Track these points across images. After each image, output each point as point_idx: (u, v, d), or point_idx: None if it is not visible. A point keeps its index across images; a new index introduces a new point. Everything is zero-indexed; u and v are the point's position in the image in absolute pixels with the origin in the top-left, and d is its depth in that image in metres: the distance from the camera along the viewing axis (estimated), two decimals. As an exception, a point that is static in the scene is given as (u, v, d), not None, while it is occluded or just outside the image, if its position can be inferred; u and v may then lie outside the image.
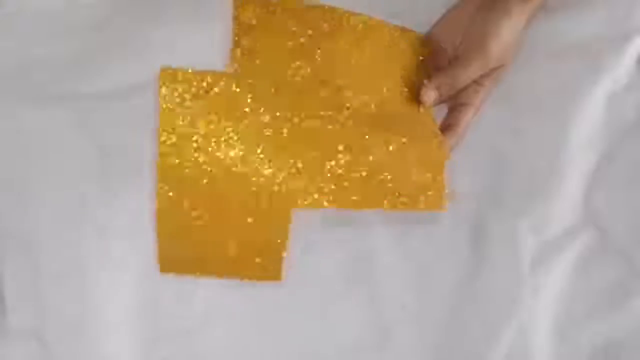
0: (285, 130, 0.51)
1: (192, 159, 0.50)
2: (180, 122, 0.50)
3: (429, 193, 0.52)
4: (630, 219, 0.56)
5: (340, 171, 0.51)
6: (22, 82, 0.60)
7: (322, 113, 0.52)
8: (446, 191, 0.52)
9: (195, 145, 0.50)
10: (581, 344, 0.54)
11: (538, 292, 0.55)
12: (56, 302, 0.55)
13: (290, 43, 0.55)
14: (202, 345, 0.55)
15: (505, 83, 0.59)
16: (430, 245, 0.56)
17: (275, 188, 0.50)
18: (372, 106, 0.54)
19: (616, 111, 0.60)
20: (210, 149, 0.50)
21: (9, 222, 0.56)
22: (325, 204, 0.51)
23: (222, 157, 0.50)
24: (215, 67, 0.59)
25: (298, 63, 0.54)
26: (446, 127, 0.56)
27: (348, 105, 0.53)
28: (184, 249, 0.52)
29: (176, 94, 0.50)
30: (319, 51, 0.55)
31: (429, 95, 0.55)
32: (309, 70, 0.54)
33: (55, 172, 0.58)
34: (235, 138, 0.50)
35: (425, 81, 0.55)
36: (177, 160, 0.50)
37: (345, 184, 0.51)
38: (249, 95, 0.51)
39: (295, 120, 0.51)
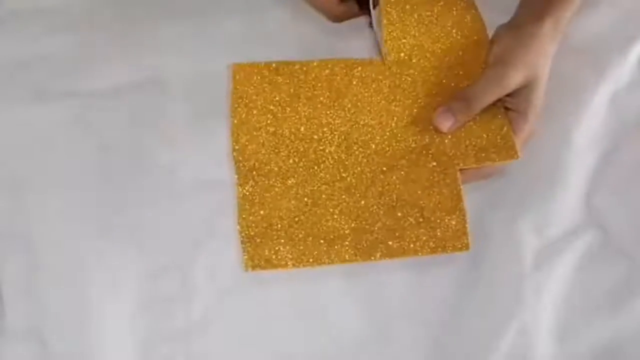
0: None
1: None
2: None
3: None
4: (632, 219, 0.56)
5: None
6: (22, 80, 0.60)
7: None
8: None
9: None
10: (583, 344, 0.54)
11: (539, 293, 0.55)
12: (55, 302, 0.55)
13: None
14: (202, 345, 0.54)
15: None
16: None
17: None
18: None
19: (618, 111, 0.60)
20: None
21: (8, 221, 0.56)
22: None
23: None
24: (214, 66, 0.60)
25: None
26: None
27: None
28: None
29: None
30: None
31: (441, 120, 0.53)
32: None
33: (54, 171, 0.58)
34: None
35: (439, 108, 0.54)
36: None
37: None
38: None
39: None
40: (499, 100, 0.54)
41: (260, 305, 0.55)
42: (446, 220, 0.51)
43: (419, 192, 0.53)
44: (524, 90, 0.54)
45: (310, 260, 0.51)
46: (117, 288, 0.55)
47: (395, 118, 0.56)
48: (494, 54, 0.55)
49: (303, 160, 0.55)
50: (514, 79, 0.53)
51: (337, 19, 0.59)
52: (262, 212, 0.53)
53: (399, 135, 0.55)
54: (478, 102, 0.53)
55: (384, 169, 0.54)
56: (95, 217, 0.57)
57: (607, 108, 0.60)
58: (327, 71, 0.57)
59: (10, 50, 0.61)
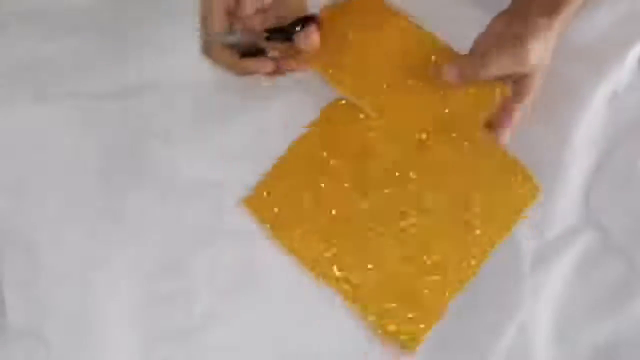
0: None
1: None
2: None
3: None
4: (630, 219, 0.56)
5: None
6: (23, 82, 0.61)
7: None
8: None
9: None
10: (581, 344, 0.54)
11: (538, 292, 0.55)
12: (56, 302, 0.55)
13: None
14: (202, 345, 0.54)
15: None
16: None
17: None
18: None
19: (617, 112, 0.60)
20: None
21: (9, 221, 0.57)
22: None
23: None
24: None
25: None
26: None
27: None
28: None
29: None
30: None
31: (450, 71, 0.56)
32: None
33: (55, 171, 0.58)
34: None
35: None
36: None
37: None
38: None
39: None
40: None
41: (260, 305, 0.55)
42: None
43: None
44: (521, 80, 0.56)
45: None
46: (118, 288, 0.55)
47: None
48: (512, 30, 0.55)
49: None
50: (531, 57, 0.54)
51: (243, 73, 0.58)
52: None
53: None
54: (489, 66, 0.55)
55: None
56: (96, 217, 0.57)
57: (606, 108, 0.60)
58: None
59: (12, 52, 0.62)
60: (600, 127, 0.59)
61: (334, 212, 0.56)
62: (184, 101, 0.60)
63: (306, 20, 0.56)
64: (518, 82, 0.56)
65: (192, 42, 0.61)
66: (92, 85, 0.61)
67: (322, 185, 0.56)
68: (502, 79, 0.56)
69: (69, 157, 0.58)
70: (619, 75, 0.60)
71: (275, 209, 0.56)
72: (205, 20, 0.56)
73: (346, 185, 0.56)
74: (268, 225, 0.56)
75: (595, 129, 0.59)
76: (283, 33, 0.56)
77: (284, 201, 0.56)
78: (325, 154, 0.57)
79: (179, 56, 0.61)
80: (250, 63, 0.57)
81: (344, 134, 0.58)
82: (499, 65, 0.55)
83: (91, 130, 0.59)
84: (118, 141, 0.59)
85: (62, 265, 0.56)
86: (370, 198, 0.56)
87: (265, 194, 0.57)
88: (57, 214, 0.57)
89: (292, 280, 0.55)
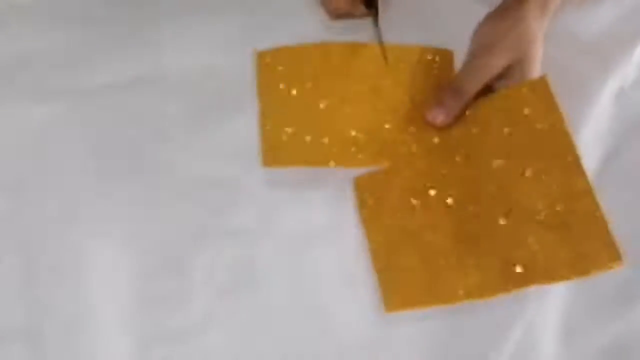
0: None
1: None
2: None
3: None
4: (637, 216, 0.55)
5: None
6: (20, 77, 0.61)
7: None
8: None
9: None
10: (588, 344, 0.54)
11: (545, 292, 0.54)
12: (53, 302, 0.54)
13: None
14: (201, 345, 0.54)
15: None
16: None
17: None
18: None
19: (624, 108, 0.60)
20: None
21: (5, 220, 0.56)
22: None
23: None
24: (213, 63, 0.60)
25: None
26: None
27: None
28: None
29: None
30: None
31: (434, 114, 0.54)
32: None
33: (52, 170, 0.58)
34: None
35: (429, 102, 0.55)
36: None
37: None
38: None
39: None
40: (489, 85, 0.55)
41: (260, 305, 0.55)
42: None
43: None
44: (513, 72, 0.54)
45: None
46: (115, 287, 0.55)
47: None
48: (476, 40, 0.56)
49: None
50: (497, 64, 0.54)
51: (338, 16, 0.58)
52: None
53: None
54: (466, 91, 0.54)
55: None
56: (93, 216, 0.57)
57: (613, 105, 0.60)
58: None
59: (9, 46, 0.62)
60: (607, 124, 0.59)
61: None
62: (183, 100, 0.60)
63: None
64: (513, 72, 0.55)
65: (189, 39, 0.61)
66: (90, 81, 0.61)
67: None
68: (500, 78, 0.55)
69: (67, 156, 0.58)
70: (626, 71, 0.61)
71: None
72: None
73: None
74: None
75: (603, 125, 0.59)
76: None
77: None
78: None
79: (176, 54, 0.61)
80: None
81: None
82: (473, 87, 0.54)
83: (89, 127, 0.59)
84: (116, 138, 0.59)
85: (60, 265, 0.55)
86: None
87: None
88: (54, 212, 0.56)
89: (292, 280, 0.55)
